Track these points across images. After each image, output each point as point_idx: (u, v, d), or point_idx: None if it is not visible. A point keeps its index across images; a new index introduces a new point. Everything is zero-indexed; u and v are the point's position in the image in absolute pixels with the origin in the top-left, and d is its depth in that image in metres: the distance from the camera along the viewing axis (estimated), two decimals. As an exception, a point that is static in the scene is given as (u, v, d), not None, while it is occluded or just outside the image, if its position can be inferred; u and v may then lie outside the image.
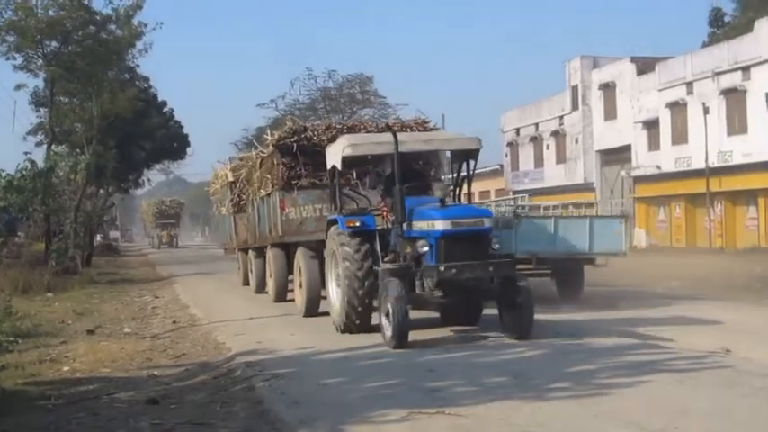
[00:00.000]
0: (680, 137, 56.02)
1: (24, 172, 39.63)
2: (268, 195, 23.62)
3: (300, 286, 21.07)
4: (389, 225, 16.70)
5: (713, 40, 64.91)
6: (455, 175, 18.58)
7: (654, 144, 59.25)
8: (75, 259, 41.28)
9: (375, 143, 17.68)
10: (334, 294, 17.45)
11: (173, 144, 66.59)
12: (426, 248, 15.34)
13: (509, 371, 12.40)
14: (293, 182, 21.52)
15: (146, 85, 58.20)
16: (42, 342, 17.82)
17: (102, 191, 58.41)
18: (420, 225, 15.75)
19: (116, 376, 13.81)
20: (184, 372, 14.07)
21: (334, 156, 17.31)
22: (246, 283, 31.21)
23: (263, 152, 24.86)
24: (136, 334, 19.02)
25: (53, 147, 44.40)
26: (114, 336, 18.84)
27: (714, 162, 51.26)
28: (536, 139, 74.36)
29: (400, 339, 14.83)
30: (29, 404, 11.79)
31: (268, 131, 28.62)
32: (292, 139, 21.66)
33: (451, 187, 18.14)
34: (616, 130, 63.10)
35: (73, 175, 43.62)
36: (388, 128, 18.61)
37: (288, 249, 23.72)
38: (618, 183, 62.71)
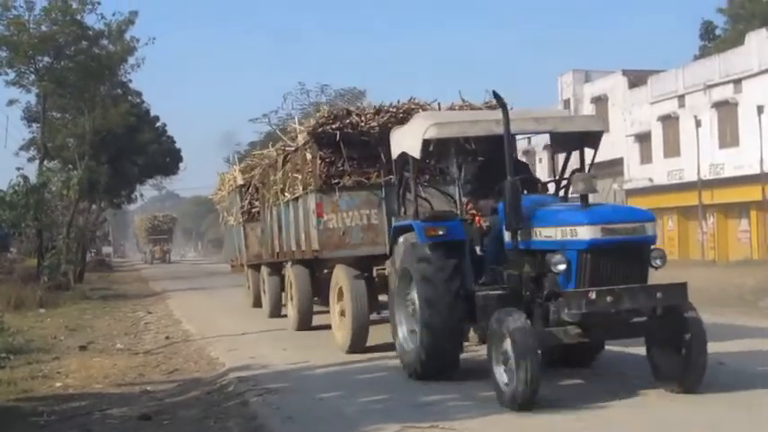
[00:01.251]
0: (672, 150, 56.08)
1: (17, 188, 39.68)
2: (296, 199, 19.20)
3: (342, 314, 16.67)
4: (481, 233, 12.73)
5: (704, 53, 65.01)
6: (561, 168, 14.33)
7: (646, 157, 59.33)
8: (67, 275, 41.26)
9: (469, 122, 13.39)
10: (404, 328, 13.35)
11: (165, 159, 66.57)
12: (563, 266, 11.09)
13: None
14: (334, 181, 17.01)
15: (138, 100, 58.28)
16: (34, 358, 17.73)
17: (94, 206, 58.35)
18: (548, 233, 11.60)
19: (108, 392, 13.77)
20: (177, 387, 14.03)
21: (411, 140, 13.25)
22: (258, 304, 26.78)
23: (287, 146, 20.60)
24: (128, 350, 18.96)
25: (45, 162, 44.52)
26: (107, 351, 18.76)
27: (706, 175, 51.29)
28: (528, 153, 74.71)
29: (532, 397, 10.54)
30: (21, 420, 11.76)
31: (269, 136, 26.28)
32: (333, 126, 16.98)
33: (594, 179, 12.38)
34: (608, 142, 62.43)
35: (65, 191, 43.45)
36: (497, 99, 11.89)
37: (313, 267, 19.78)
38: (610, 196, 62.84)
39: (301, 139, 18.68)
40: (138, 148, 60.06)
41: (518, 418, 10.33)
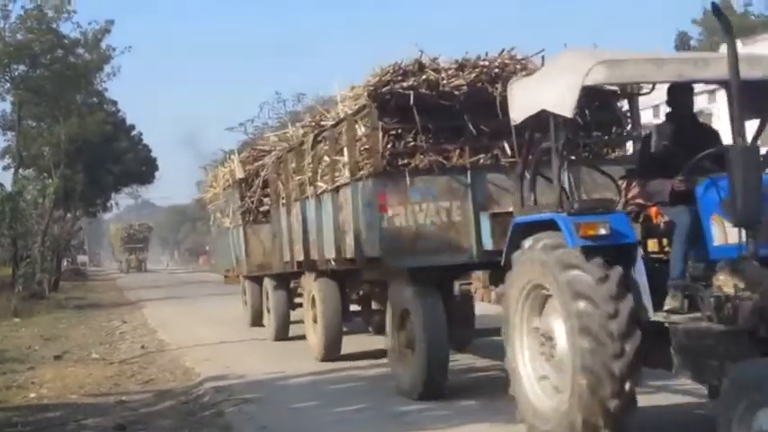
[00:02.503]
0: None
1: None
2: (336, 190, 14.25)
3: (409, 347, 12.51)
4: (657, 232, 9.04)
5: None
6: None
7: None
8: (42, 284, 41.26)
9: (653, 61, 9.15)
10: (531, 376, 9.27)
11: (141, 168, 66.40)
12: None
13: (480, 393, 12.40)
14: (402, 162, 12.14)
15: (114, 109, 58.06)
16: (9, 368, 17.63)
17: (69, 215, 58.09)
18: None
19: (83, 402, 13.72)
20: (153, 397, 13.97)
21: (556, 90, 8.94)
22: (258, 323, 23.03)
23: (322, 118, 15.38)
24: (104, 359, 18.88)
25: (20, 170, 44.51)
26: (82, 361, 18.66)
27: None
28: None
29: None
30: (-5, 432, 11.72)
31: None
32: (404, 85, 12.09)
33: None
34: (585, 153, 63.48)
35: (41, 199, 43.67)
36: (718, 16, 8.16)
37: (343, 280, 16.45)
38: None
39: (345, 107, 13.80)
40: (114, 157, 59.89)
41: (495, 427, 10.35)
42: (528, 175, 10.11)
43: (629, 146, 13.41)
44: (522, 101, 9.88)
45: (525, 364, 9.37)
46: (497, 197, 11.98)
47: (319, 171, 15.33)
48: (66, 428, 11.82)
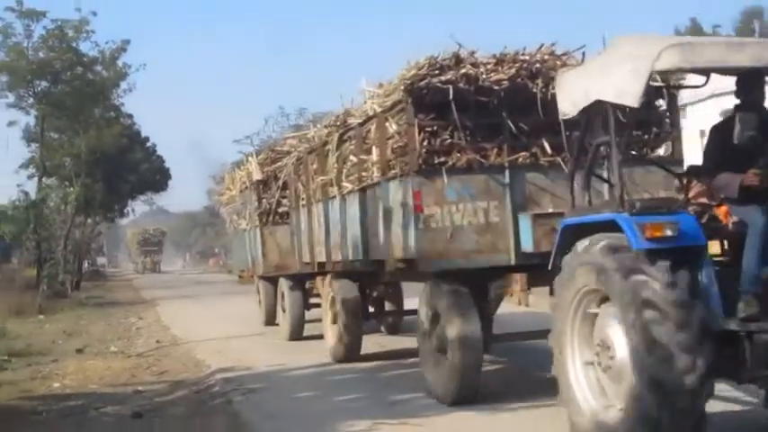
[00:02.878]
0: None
1: (18, 203, 40.12)
2: (363, 190, 12.93)
3: (440, 352, 11.04)
4: (725, 234, 7.86)
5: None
6: None
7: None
8: (64, 284, 41.23)
9: (735, 44, 8.17)
10: (587, 391, 8.14)
11: (155, 177, 66.18)
12: None
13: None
14: (438, 160, 10.86)
15: (130, 122, 57.83)
16: (34, 360, 17.63)
17: (89, 220, 58.01)
18: None
19: (103, 392, 13.72)
20: (167, 387, 13.98)
21: (619, 77, 7.74)
22: (271, 322, 22.16)
23: (345, 119, 13.95)
24: (122, 353, 18.86)
25: (44, 179, 44.32)
26: (101, 354, 18.66)
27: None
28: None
29: None
30: (21, 418, 11.72)
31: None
32: (442, 79, 10.77)
33: None
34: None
35: (63, 206, 43.76)
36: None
37: (363, 281, 15.33)
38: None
39: (374, 105, 12.40)
40: (130, 167, 59.78)
41: (480, 415, 10.39)
42: (579, 173, 8.99)
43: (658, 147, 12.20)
44: (574, 92, 8.71)
45: (577, 372, 8.25)
46: (536, 197, 10.85)
47: (344, 171, 13.96)
48: (87, 416, 11.81)
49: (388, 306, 18.16)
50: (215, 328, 23.16)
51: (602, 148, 8.58)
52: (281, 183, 19.81)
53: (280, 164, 19.94)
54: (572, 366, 8.21)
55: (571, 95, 8.72)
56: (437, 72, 10.82)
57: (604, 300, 7.77)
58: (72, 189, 44.68)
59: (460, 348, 10.57)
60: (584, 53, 11.32)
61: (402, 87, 10.97)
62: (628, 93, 7.58)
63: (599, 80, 8.15)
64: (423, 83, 10.79)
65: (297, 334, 19.12)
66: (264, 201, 20.43)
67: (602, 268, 7.55)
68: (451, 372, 10.78)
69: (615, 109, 8.13)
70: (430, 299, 11.40)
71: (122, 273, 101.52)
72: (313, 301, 19.15)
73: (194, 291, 45.79)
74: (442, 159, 10.85)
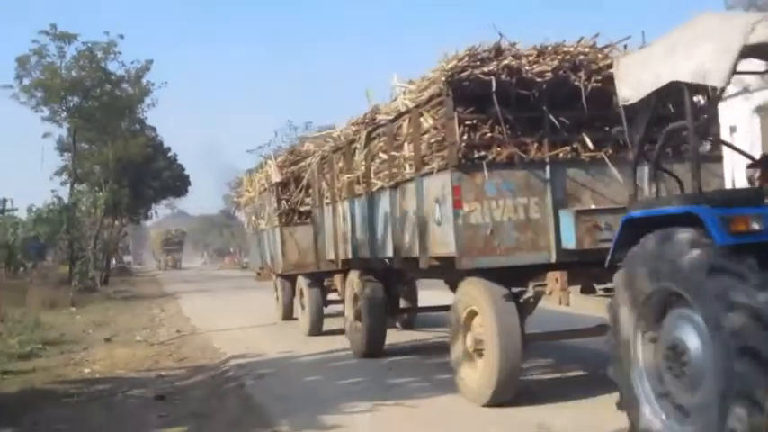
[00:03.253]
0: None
1: (52, 207, 40.59)
2: (395, 186, 11.70)
3: (477, 353, 9.85)
4: None
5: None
6: None
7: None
8: (94, 279, 41.40)
9: None
10: (654, 401, 6.89)
11: (176, 183, 66.30)
12: None
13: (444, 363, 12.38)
14: (478, 155, 9.65)
15: (153, 134, 57.94)
16: (67, 348, 17.63)
17: (117, 222, 58.05)
18: None
19: (129, 376, 13.70)
20: (186, 372, 13.95)
21: (700, 57, 6.55)
22: (288, 317, 21.01)
23: (375, 114, 12.55)
24: (146, 341, 18.83)
25: (75, 185, 44.46)
26: (127, 343, 18.62)
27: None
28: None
29: None
30: (56, 400, 11.70)
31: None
32: (484, 71, 9.56)
33: None
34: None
35: (93, 209, 43.95)
36: None
37: (388, 278, 14.06)
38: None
39: (406, 100, 11.08)
40: (154, 174, 59.96)
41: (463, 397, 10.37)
42: (644, 163, 7.75)
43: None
44: (639, 76, 7.36)
45: (640, 378, 6.90)
46: (577, 194, 9.64)
47: (373, 168, 12.70)
48: (115, 398, 11.79)
49: (402, 303, 17.01)
50: (230, 319, 23.11)
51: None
52: (304, 183, 18.63)
53: (299, 165, 18.93)
54: (635, 370, 6.91)
55: (635, 80, 7.41)
56: (478, 63, 9.58)
57: (675, 299, 6.49)
58: (101, 194, 44.95)
59: (500, 349, 9.22)
60: (625, 45, 10.04)
61: (443, 79, 9.61)
62: (713, 72, 6.39)
63: (675, 61, 6.82)
64: (464, 74, 9.54)
65: (316, 329, 17.95)
66: (284, 201, 19.31)
67: (677, 266, 6.29)
68: (488, 373, 9.42)
69: (693, 91, 6.97)
70: (465, 296, 10.05)
71: (146, 269, 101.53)
72: (330, 297, 18.43)
73: (212, 285, 45.84)
74: (482, 154, 9.59)
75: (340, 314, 17.07)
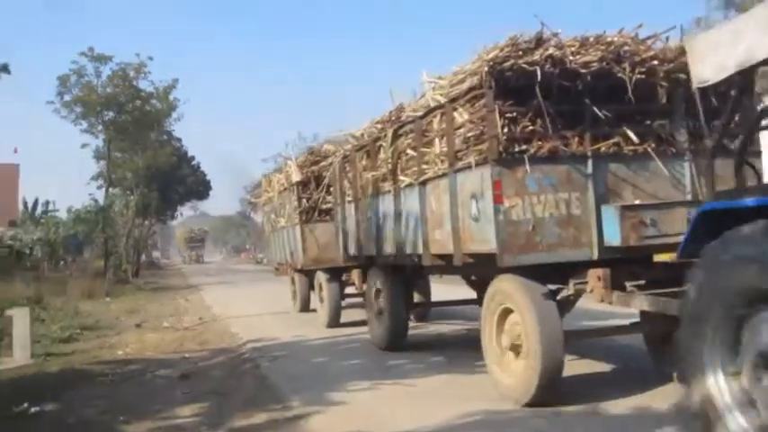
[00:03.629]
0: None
1: (89, 208, 40.92)
2: (423, 183, 10.45)
3: (513, 351, 8.70)
4: None
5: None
6: None
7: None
8: (126, 272, 41.44)
9: None
10: (734, 406, 5.39)
11: (199, 188, 66.17)
12: None
13: (446, 353, 12.35)
14: (519, 148, 8.52)
15: (178, 145, 57.82)
16: (102, 333, 17.59)
17: (146, 222, 57.91)
18: None
19: (157, 358, 13.64)
20: (208, 354, 13.90)
21: None
22: (305, 309, 19.99)
23: (401, 113, 11.42)
24: (172, 327, 18.76)
25: (110, 189, 44.53)
26: (156, 328, 18.58)
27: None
28: None
29: None
30: (92, 379, 11.66)
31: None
32: (529, 60, 8.37)
33: None
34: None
35: (125, 211, 44.22)
36: None
37: (409, 274, 12.94)
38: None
39: (438, 97, 9.84)
40: (179, 180, 59.85)
41: (458, 377, 10.31)
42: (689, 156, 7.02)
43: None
44: (722, 54, 5.89)
45: (717, 383, 5.52)
46: (618, 189, 8.49)
47: (400, 165, 11.37)
48: (145, 377, 11.75)
49: (417, 297, 15.95)
50: (247, 307, 23.05)
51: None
52: (325, 182, 17.28)
53: (320, 165, 17.76)
54: (711, 375, 5.56)
55: (716, 58, 5.94)
56: (520, 53, 8.34)
57: (763, 299, 5.12)
58: (132, 197, 45.19)
59: (541, 350, 8.02)
60: (667, 38, 8.93)
61: (485, 69, 8.28)
62: None
63: (763, 36, 5.40)
64: (506, 64, 8.25)
65: (335, 322, 16.82)
66: (304, 200, 18.05)
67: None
68: (528, 374, 8.22)
69: None
70: (499, 295, 8.81)
71: (172, 264, 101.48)
72: (347, 291, 17.51)
73: (230, 278, 45.82)
74: (523, 147, 8.36)
75: (353, 306, 17.11)
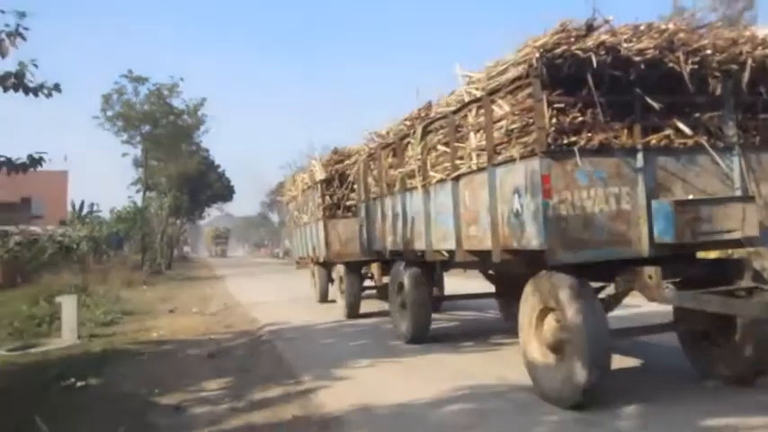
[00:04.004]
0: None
1: (128, 209, 41.24)
2: (456, 179, 9.10)
3: (555, 352, 7.35)
4: None
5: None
6: None
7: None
8: (161, 265, 41.58)
9: None
10: None
11: (224, 192, 66.25)
12: None
13: (439, 337, 12.33)
14: (568, 140, 6.96)
15: (206, 154, 57.87)
16: (140, 318, 17.59)
17: (178, 221, 57.90)
18: None
19: (187, 339, 13.64)
20: (231, 336, 13.89)
21: None
22: (324, 300, 19.19)
23: (428, 110, 10.34)
24: (200, 313, 18.77)
25: (147, 193, 44.71)
26: (186, 314, 18.56)
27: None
28: None
29: None
30: (131, 358, 11.66)
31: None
32: (581, 47, 6.82)
33: None
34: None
35: (160, 211, 44.33)
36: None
37: (432, 269, 11.63)
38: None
39: (473, 90, 8.46)
40: (206, 185, 59.91)
41: (449, 356, 10.31)
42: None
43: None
44: None
45: None
46: (668, 184, 7.20)
47: (429, 161, 9.89)
48: (176, 356, 11.75)
49: (435, 291, 13.66)
50: (265, 295, 23.04)
51: None
52: (350, 179, 15.84)
53: (344, 164, 16.37)
54: None
55: None
56: (572, 40, 6.97)
57: None
58: (166, 200, 45.36)
59: (586, 347, 6.81)
60: (719, 27, 7.84)
61: (536, 56, 6.92)
62: None
63: None
64: (558, 51, 6.90)
65: (354, 312, 15.79)
66: (327, 197, 16.68)
67: None
68: (571, 374, 6.93)
69: None
70: (540, 293, 7.43)
71: (201, 257, 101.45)
72: (366, 284, 16.65)
73: (251, 270, 45.80)
74: (572, 139, 7.02)
75: (368, 297, 16.92)
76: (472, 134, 8.50)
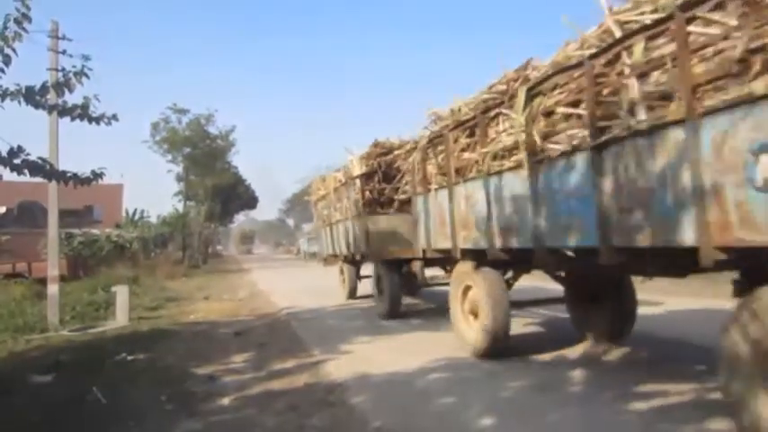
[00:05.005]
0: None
1: (172, 215, 41.25)
2: (599, 148, 5.13)
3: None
4: None
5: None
6: None
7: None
8: (198, 260, 41.44)
9: None
10: None
11: (250, 202, 66.20)
12: None
13: (424, 318, 12.26)
14: None
15: (235, 171, 57.80)
16: (180, 303, 17.43)
17: (212, 225, 57.84)
18: None
19: (219, 320, 13.51)
20: (255, 318, 13.77)
21: None
22: (353, 296, 15.99)
23: (523, 72, 6.69)
24: (230, 299, 18.61)
25: (187, 202, 44.72)
26: (218, 300, 18.41)
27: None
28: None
29: None
30: (173, 336, 11.53)
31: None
32: None
33: None
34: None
35: (198, 217, 44.16)
36: None
37: (506, 270, 7.89)
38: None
39: (627, 19, 4.99)
40: (236, 196, 59.74)
41: (433, 334, 10.21)
42: None
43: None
44: None
45: None
46: None
47: (537, 132, 6.13)
48: (210, 334, 11.62)
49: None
50: (283, 284, 22.88)
51: None
52: (396, 172, 12.58)
53: (386, 157, 12.74)
54: None
55: None
56: None
57: None
58: (203, 208, 45.30)
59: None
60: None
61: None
62: None
63: None
64: None
65: (395, 312, 12.20)
66: (367, 192, 12.70)
67: None
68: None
69: None
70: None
71: (230, 254, 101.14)
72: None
73: (272, 264, 45.69)
74: None
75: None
76: (633, 79, 4.93)
